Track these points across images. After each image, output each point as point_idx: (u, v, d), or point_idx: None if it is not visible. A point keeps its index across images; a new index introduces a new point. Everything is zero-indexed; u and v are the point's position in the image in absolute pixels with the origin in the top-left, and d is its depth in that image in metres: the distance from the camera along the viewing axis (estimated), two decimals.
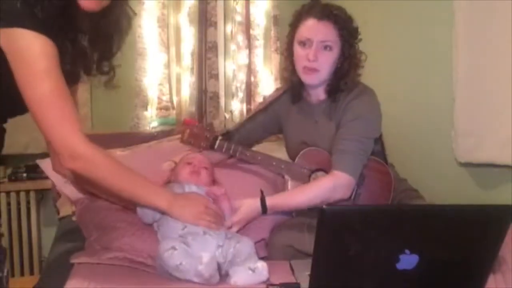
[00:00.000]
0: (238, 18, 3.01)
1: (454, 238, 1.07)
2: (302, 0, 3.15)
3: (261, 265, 1.45)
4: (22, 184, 2.77)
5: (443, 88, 2.18)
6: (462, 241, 1.08)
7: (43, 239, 2.86)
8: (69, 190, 1.90)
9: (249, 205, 1.72)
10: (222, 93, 2.97)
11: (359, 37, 1.82)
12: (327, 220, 1.01)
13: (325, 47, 1.76)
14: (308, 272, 1.14)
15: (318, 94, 1.87)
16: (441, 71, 2.22)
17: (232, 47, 3.01)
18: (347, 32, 1.78)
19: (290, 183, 1.98)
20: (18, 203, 2.79)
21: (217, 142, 1.86)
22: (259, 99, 3.07)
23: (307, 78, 1.80)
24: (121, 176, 1.45)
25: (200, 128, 1.89)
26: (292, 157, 1.90)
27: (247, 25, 3.03)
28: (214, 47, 2.93)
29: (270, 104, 1.99)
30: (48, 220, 2.82)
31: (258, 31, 3.06)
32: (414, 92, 2.36)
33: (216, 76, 2.94)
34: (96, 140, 2.37)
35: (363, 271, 1.07)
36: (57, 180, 1.91)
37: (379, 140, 1.87)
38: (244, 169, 2.03)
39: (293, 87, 1.91)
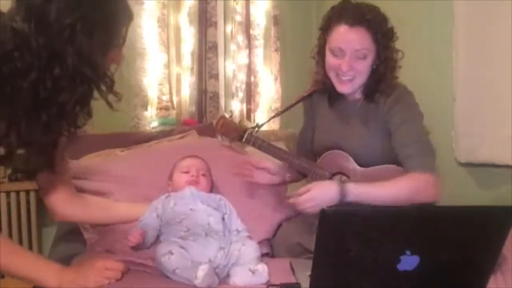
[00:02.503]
0: (238, 18, 3.00)
1: (455, 240, 1.07)
2: (302, 0, 3.18)
3: (262, 267, 1.45)
4: (22, 184, 2.77)
5: (443, 88, 2.19)
6: (463, 243, 1.08)
7: (43, 239, 2.86)
8: None
9: (324, 186, 1.64)
10: (222, 93, 2.96)
11: (395, 36, 1.73)
12: (328, 221, 1.01)
13: (359, 56, 1.68)
14: (309, 272, 1.14)
15: (355, 95, 1.82)
16: (441, 71, 2.22)
17: (232, 47, 3.00)
18: (382, 35, 1.69)
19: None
20: (18, 203, 2.78)
21: (245, 135, 1.86)
22: (259, 99, 3.06)
23: (341, 88, 1.75)
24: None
25: (231, 120, 1.91)
26: (318, 155, 1.88)
27: (247, 25, 3.02)
28: (214, 47, 2.92)
29: (305, 100, 1.96)
30: (48, 220, 2.81)
31: (258, 31, 3.05)
32: (414, 92, 2.35)
33: (216, 76, 2.93)
34: (96, 140, 2.39)
35: (363, 272, 1.07)
36: None
37: None
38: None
39: (328, 90, 1.86)
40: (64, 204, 1.55)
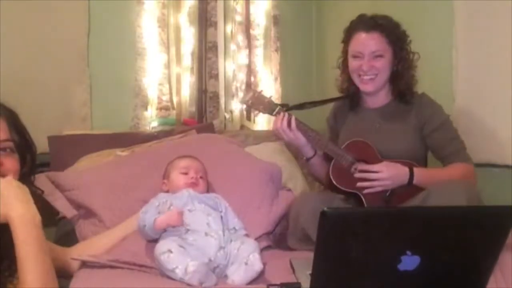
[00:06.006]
0: (238, 18, 3.01)
1: (455, 240, 1.06)
2: (302, 0, 3.18)
3: (253, 257, 1.45)
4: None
5: (443, 88, 2.19)
6: (463, 243, 1.08)
7: None
8: (62, 206, 1.89)
9: (396, 166, 1.80)
10: (222, 93, 2.97)
11: (409, 39, 1.93)
12: (329, 222, 1.01)
13: (377, 56, 1.87)
14: (309, 272, 1.14)
15: (379, 100, 1.98)
16: (441, 71, 2.22)
17: (232, 47, 3.00)
18: (395, 37, 1.89)
19: None
20: None
21: (277, 109, 1.92)
22: None
23: (364, 87, 1.93)
24: None
25: (262, 94, 1.97)
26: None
27: (247, 25, 3.02)
28: (214, 47, 2.92)
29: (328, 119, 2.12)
30: (48, 220, 2.81)
31: (258, 31, 3.06)
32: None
33: (216, 76, 2.93)
34: (96, 140, 2.39)
35: (364, 272, 1.06)
36: (50, 197, 1.88)
37: (424, 156, 1.96)
38: (241, 167, 2.03)
39: (350, 95, 2.02)
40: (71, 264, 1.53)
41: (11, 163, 1.24)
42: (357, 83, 1.94)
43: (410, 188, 1.79)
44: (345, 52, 1.97)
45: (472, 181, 1.80)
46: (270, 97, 1.96)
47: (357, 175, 1.83)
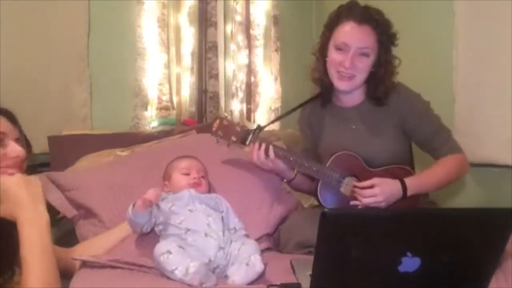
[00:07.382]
0: (238, 18, 3.01)
1: (456, 241, 1.06)
2: (302, 0, 3.18)
3: (254, 257, 1.45)
4: None
5: (443, 88, 2.19)
6: (464, 244, 1.07)
7: None
8: (62, 206, 1.87)
9: (388, 183, 1.68)
10: (222, 93, 2.97)
11: (396, 42, 1.77)
12: (329, 223, 1.01)
13: (362, 54, 1.71)
14: (309, 272, 1.14)
15: (353, 99, 1.84)
16: (441, 71, 2.22)
17: (232, 47, 3.00)
18: (386, 37, 1.73)
19: None
20: None
21: (249, 137, 1.76)
22: (259, 99, 3.06)
23: (340, 85, 1.75)
24: None
25: (230, 122, 1.79)
26: (326, 160, 1.82)
27: (247, 25, 3.02)
28: (214, 47, 2.92)
29: (301, 119, 1.99)
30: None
31: (258, 31, 3.06)
32: None
33: (216, 76, 2.93)
34: (96, 140, 2.39)
35: (364, 274, 1.06)
36: (50, 197, 1.85)
37: (409, 150, 1.89)
38: (241, 167, 2.03)
39: (323, 89, 1.86)
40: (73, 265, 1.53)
41: (21, 149, 1.24)
42: (333, 78, 1.76)
43: (405, 200, 1.69)
44: (326, 38, 1.78)
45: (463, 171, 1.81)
46: (239, 123, 1.79)
47: (348, 193, 1.74)
